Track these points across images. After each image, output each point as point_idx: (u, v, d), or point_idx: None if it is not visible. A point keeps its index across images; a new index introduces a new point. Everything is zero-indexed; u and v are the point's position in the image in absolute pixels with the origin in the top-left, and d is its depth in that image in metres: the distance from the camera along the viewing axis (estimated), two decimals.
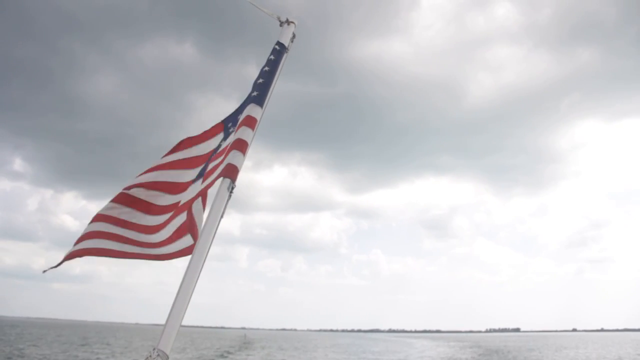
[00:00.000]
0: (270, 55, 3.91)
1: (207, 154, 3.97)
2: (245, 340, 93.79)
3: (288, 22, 4.05)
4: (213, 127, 4.03)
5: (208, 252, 3.04)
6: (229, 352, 55.52)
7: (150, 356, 2.53)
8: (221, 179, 3.39)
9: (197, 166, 3.95)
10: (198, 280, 2.92)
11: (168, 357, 2.57)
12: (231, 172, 3.40)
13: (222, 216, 3.24)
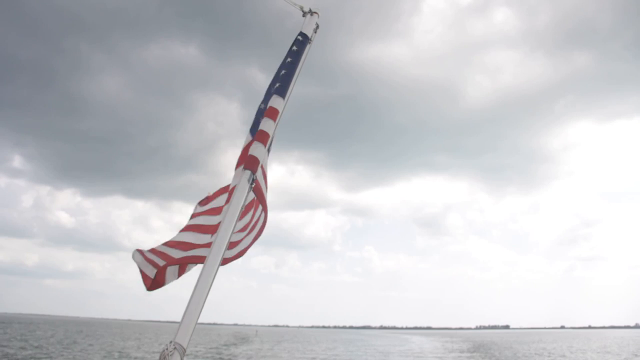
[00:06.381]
0: (292, 46, 3.48)
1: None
2: (256, 336, 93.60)
3: (311, 12, 3.65)
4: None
5: (227, 244, 2.63)
6: (244, 341, 55.11)
7: (167, 349, 2.30)
8: (242, 171, 3.02)
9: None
10: (217, 273, 2.52)
11: (185, 351, 2.32)
12: (252, 164, 3.05)
13: (242, 208, 2.86)
